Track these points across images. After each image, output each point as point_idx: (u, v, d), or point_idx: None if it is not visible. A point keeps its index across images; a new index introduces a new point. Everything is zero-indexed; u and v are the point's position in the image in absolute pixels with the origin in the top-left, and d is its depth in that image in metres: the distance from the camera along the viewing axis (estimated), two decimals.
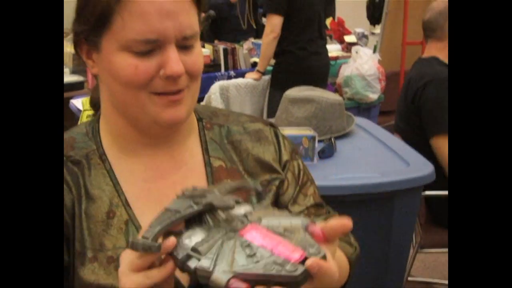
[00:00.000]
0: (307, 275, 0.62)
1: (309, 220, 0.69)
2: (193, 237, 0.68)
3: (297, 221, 0.68)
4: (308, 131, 2.00)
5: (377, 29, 5.29)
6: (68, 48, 3.97)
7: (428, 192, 2.05)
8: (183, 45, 0.84)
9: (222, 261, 0.64)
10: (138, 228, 0.88)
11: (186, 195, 0.72)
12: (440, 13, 2.30)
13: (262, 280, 0.62)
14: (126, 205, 0.90)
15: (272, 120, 2.21)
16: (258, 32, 4.87)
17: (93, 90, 1.00)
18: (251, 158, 0.98)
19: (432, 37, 2.35)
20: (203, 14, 0.89)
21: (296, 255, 0.63)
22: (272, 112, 3.48)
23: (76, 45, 0.89)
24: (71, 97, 3.25)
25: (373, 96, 3.81)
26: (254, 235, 0.67)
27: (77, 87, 3.71)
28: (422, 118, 2.23)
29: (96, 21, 0.83)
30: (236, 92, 3.71)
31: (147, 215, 0.88)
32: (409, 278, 2.44)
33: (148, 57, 0.82)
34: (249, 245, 0.65)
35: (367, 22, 5.75)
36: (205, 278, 0.64)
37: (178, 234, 0.68)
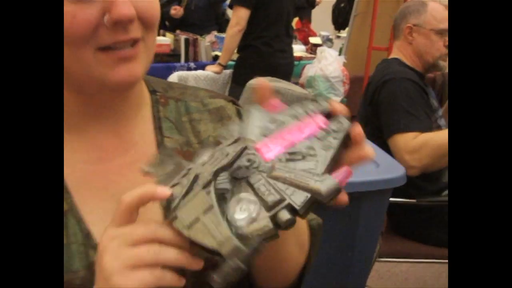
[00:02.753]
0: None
1: None
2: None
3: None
4: None
5: (343, 33, 5.26)
6: None
7: (394, 199, 1.95)
8: None
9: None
10: (79, 221, 0.70)
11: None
12: (399, 12, 2.37)
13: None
14: (65, 192, 0.71)
15: None
16: (221, 26, 4.77)
17: None
18: (212, 140, 0.82)
19: (394, 38, 2.41)
20: None
21: None
22: None
23: None
24: None
25: (336, 98, 3.75)
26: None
27: None
28: (379, 118, 2.17)
29: None
30: (195, 84, 3.55)
31: (90, 203, 0.71)
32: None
33: (88, 1, 0.64)
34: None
35: (332, 27, 5.70)
36: None
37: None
